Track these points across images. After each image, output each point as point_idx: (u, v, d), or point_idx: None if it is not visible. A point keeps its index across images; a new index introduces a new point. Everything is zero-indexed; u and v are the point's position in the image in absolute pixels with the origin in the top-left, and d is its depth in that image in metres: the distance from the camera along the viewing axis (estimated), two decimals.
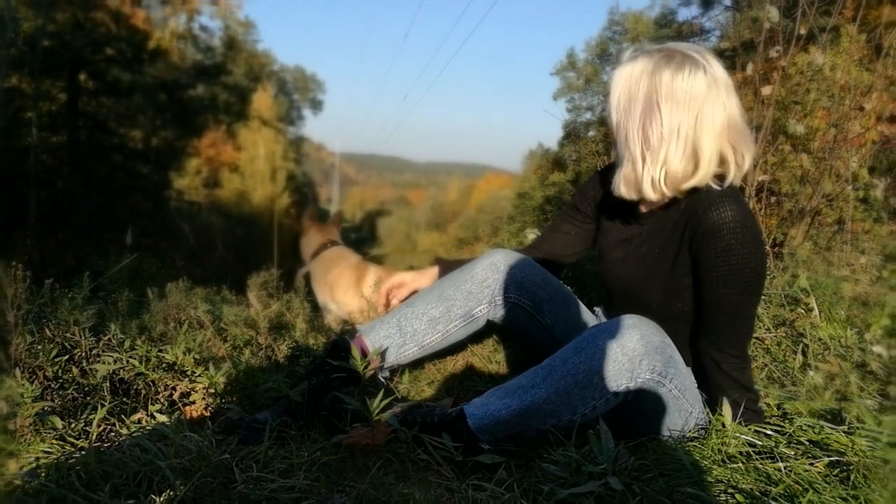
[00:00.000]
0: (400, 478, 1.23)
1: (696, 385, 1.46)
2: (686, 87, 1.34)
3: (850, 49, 3.16)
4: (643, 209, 1.57)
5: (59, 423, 1.40)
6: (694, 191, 1.43)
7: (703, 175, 1.37)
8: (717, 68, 1.38)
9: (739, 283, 1.34)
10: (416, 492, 1.13)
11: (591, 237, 1.81)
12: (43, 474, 1.14)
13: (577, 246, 1.83)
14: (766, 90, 2.86)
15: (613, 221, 1.67)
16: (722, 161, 1.38)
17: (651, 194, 1.41)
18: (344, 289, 3.59)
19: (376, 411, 1.34)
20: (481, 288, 1.71)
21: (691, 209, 1.41)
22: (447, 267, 1.89)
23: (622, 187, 1.46)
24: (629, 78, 1.39)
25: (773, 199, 3.13)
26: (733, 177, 1.40)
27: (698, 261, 1.39)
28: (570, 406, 1.31)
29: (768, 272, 2.53)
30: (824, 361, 1.78)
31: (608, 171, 1.69)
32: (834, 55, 3.11)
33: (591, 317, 1.78)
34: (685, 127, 1.34)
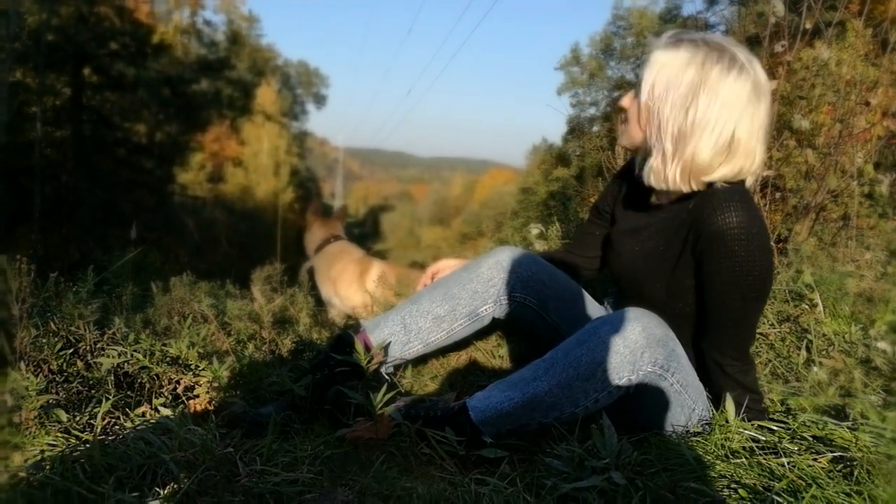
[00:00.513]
0: (403, 472, 1.24)
1: (700, 381, 1.46)
2: (733, 88, 1.32)
3: (856, 44, 3.14)
4: (656, 200, 1.56)
5: (63, 416, 1.41)
6: (706, 187, 1.42)
7: (730, 170, 1.36)
8: (761, 74, 1.37)
9: (743, 288, 1.33)
10: (419, 486, 1.13)
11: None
12: (48, 467, 1.15)
13: (599, 249, 1.83)
14: (771, 85, 2.84)
15: (626, 212, 1.67)
16: (747, 159, 1.37)
17: (677, 182, 1.39)
18: (347, 283, 3.60)
19: (379, 405, 1.34)
20: (487, 287, 1.70)
21: (697, 209, 1.38)
22: None
23: (651, 176, 1.43)
24: (672, 64, 1.36)
25: (777, 194, 3.12)
26: (749, 177, 1.40)
27: (701, 265, 1.37)
28: (572, 398, 1.30)
29: (773, 268, 2.52)
30: (828, 357, 1.78)
31: (628, 167, 1.70)
32: (840, 50, 3.10)
33: (599, 312, 1.78)
34: (721, 122, 1.32)
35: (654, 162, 1.42)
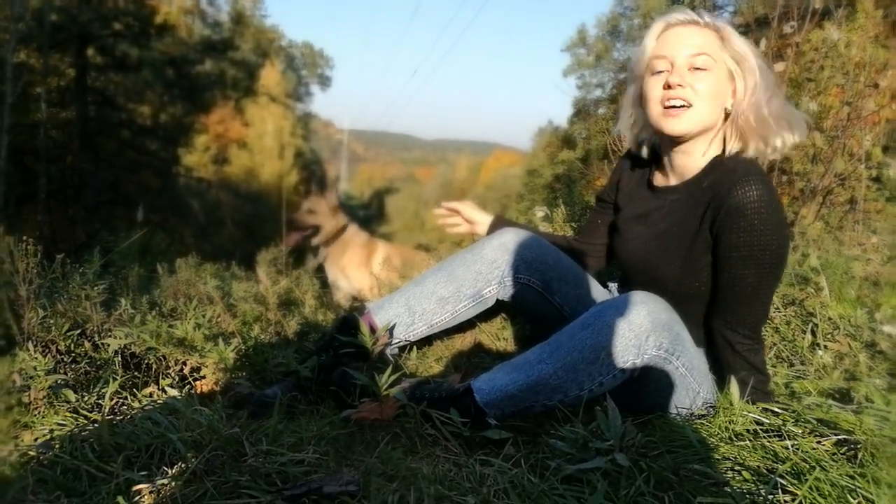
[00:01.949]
0: (408, 452, 1.24)
1: (707, 365, 1.46)
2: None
3: (865, 25, 3.11)
4: (664, 183, 1.57)
5: (72, 396, 1.42)
6: (718, 165, 1.44)
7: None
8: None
9: (759, 264, 1.33)
10: (424, 466, 1.14)
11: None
12: (57, 446, 1.16)
13: (605, 237, 1.84)
14: (779, 67, 2.82)
15: (632, 198, 1.67)
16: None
17: (736, 145, 1.46)
18: (355, 266, 3.62)
19: (385, 386, 1.35)
20: (491, 269, 1.70)
21: (715, 187, 1.39)
22: (502, 224, 1.95)
23: (704, 144, 1.48)
24: (733, 33, 1.44)
25: (784, 178, 3.11)
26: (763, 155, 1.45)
27: (719, 240, 1.37)
28: (576, 381, 1.31)
29: None
30: (834, 341, 1.78)
31: (629, 155, 1.70)
32: (849, 31, 3.06)
33: (603, 295, 1.78)
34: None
35: (728, 137, 1.46)
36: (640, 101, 1.55)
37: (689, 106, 1.41)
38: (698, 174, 1.48)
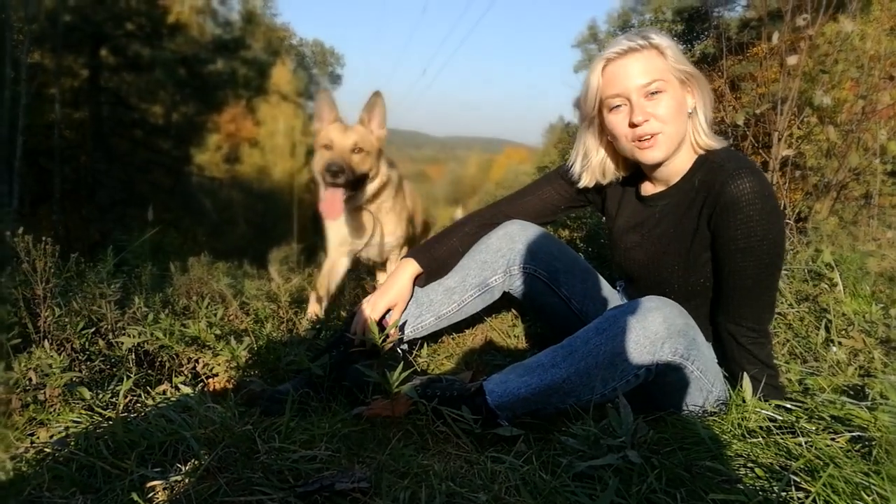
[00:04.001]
0: (419, 449, 1.25)
1: (717, 361, 1.46)
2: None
3: (880, 17, 3.08)
4: (652, 191, 1.58)
5: (87, 393, 1.43)
6: (705, 162, 1.46)
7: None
8: None
9: (757, 255, 1.33)
10: (436, 463, 1.14)
11: (566, 210, 1.84)
12: (72, 442, 1.17)
13: (546, 216, 1.82)
14: (792, 60, 2.80)
15: (622, 207, 1.67)
16: None
17: (707, 145, 1.49)
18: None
19: (396, 384, 1.35)
20: (496, 257, 1.71)
21: (708, 184, 1.40)
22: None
23: (674, 153, 1.50)
24: (671, 46, 1.47)
25: (797, 173, 3.08)
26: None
27: (717, 234, 1.38)
28: (589, 386, 1.31)
29: (792, 247, 2.50)
30: (848, 337, 1.76)
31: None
32: (864, 24, 3.03)
33: (611, 290, 1.78)
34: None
35: (694, 134, 1.49)
36: (601, 138, 1.60)
37: (660, 132, 1.44)
38: (686, 174, 1.50)
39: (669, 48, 1.44)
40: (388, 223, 2.54)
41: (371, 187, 2.40)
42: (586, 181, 1.68)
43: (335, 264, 2.54)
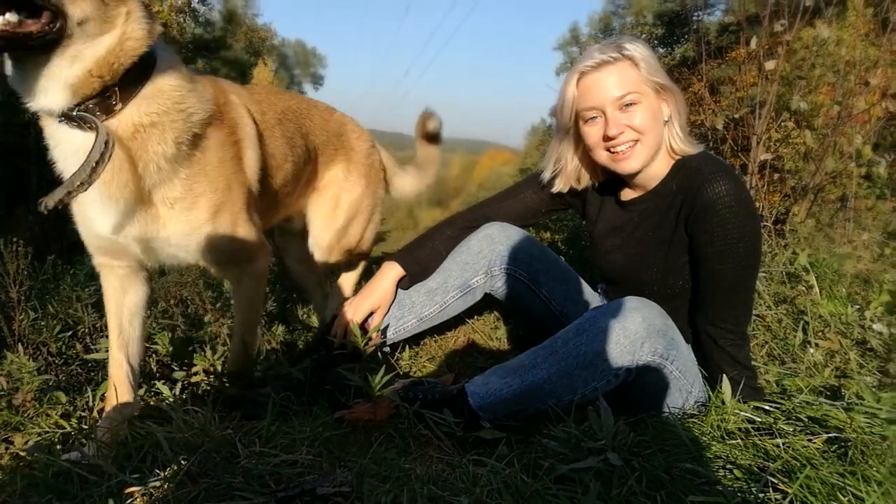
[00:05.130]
0: (401, 453, 1.24)
1: (697, 363, 1.47)
2: None
3: (856, 23, 3.13)
4: (632, 195, 1.60)
5: (63, 398, 1.41)
6: (682, 167, 1.48)
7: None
8: None
9: (734, 257, 1.35)
10: (418, 467, 1.14)
11: (547, 213, 1.85)
12: (48, 449, 1.15)
13: (528, 218, 1.83)
14: (770, 65, 2.83)
15: (602, 212, 1.69)
16: None
17: (683, 150, 1.50)
18: None
19: (378, 387, 1.35)
20: (477, 259, 1.71)
21: (685, 188, 1.43)
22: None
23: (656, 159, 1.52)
24: (646, 54, 1.47)
25: (776, 175, 3.12)
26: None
27: (694, 237, 1.40)
28: (570, 387, 1.31)
29: (770, 249, 2.53)
30: (824, 339, 1.79)
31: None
32: (840, 29, 3.08)
33: (591, 293, 1.79)
34: None
35: (671, 140, 1.50)
36: (577, 147, 1.61)
37: (636, 142, 1.46)
38: (664, 179, 1.52)
39: (643, 60, 1.44)
40: (182, 202, 1.31)
41: (92, 54, 1.13)
42: (560, 186, 1.69)
43: (106, 289, 1.45)
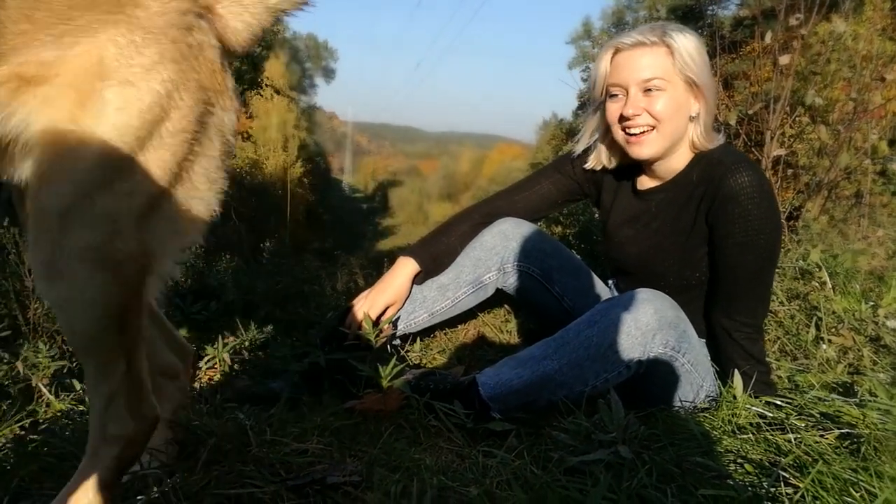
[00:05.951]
0: (411, 443, 1.25)
1: (709, 357, 1.46)
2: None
3: (873, 18, 3.10)
4: (650, 185, 1.58)
5: (77, 384, 1.43)
6: (703, 158, 1.47)
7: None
8: None
9: (755, 249, 1.34)
10: (428, 457, 1.14)
11: (563, 203, 1.85)
12: (63, 433, 1.17)
13: (542, 210, 1.83)
14: (784, 59, 2.80)
15: (617, 200, 1.67)
16: None
17: (703, 144, 1.49)
18: None
19: (388, 378, 1.35)
20: (490, 255, 1.71)
21: (706, 179, 1.41)
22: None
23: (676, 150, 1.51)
24: (687, 44, 1.44)
25: (789, 171, 3.10)
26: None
27: (715, 228, 1.39)
28: (581, 378, 1.31)
29: (783, 245, 2.52)
30: (837, 335, 1.78)
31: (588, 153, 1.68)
32: (856, 24, 3.05)
33: (604, 288, 1.78)
34: None
35: (694, 137, 1.48)
36: (604, 124, 1.59)
37: (653, 128, 1.44)
38: (684, 170, 1.50)
39: (682, 50, 1.42)
40: None
41: None
42: (592, 163, 1.67)
43: None
